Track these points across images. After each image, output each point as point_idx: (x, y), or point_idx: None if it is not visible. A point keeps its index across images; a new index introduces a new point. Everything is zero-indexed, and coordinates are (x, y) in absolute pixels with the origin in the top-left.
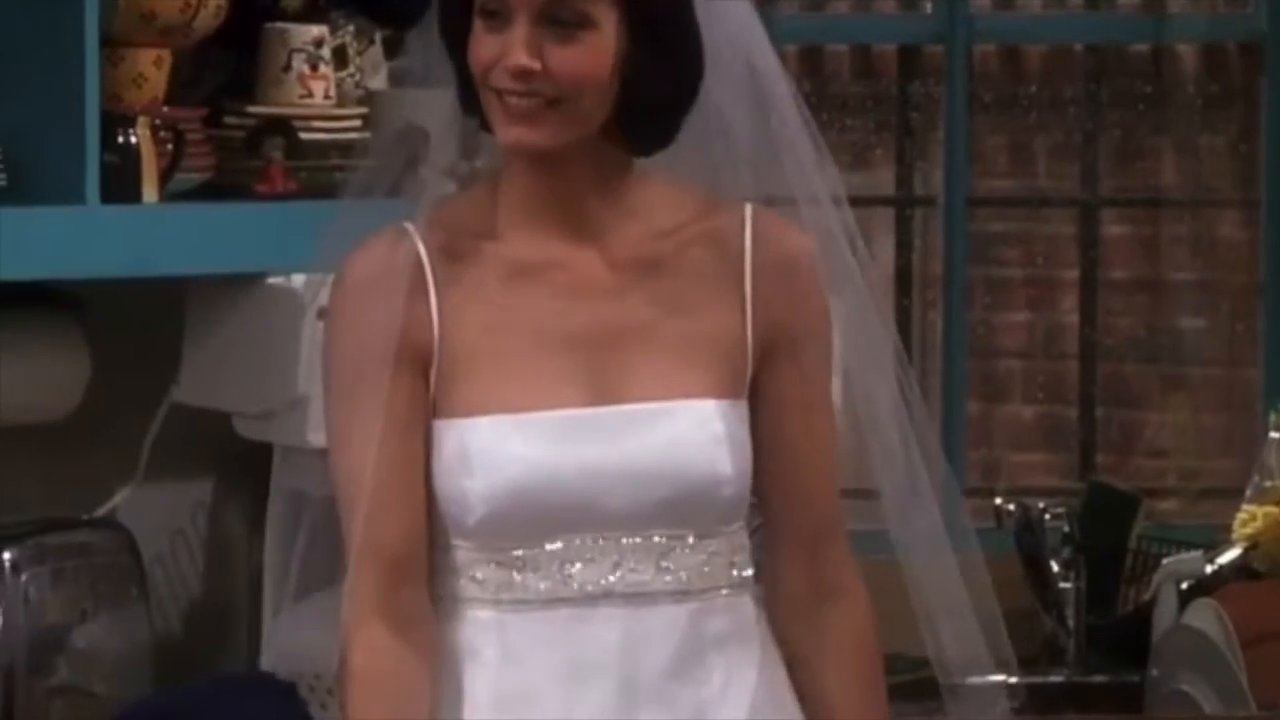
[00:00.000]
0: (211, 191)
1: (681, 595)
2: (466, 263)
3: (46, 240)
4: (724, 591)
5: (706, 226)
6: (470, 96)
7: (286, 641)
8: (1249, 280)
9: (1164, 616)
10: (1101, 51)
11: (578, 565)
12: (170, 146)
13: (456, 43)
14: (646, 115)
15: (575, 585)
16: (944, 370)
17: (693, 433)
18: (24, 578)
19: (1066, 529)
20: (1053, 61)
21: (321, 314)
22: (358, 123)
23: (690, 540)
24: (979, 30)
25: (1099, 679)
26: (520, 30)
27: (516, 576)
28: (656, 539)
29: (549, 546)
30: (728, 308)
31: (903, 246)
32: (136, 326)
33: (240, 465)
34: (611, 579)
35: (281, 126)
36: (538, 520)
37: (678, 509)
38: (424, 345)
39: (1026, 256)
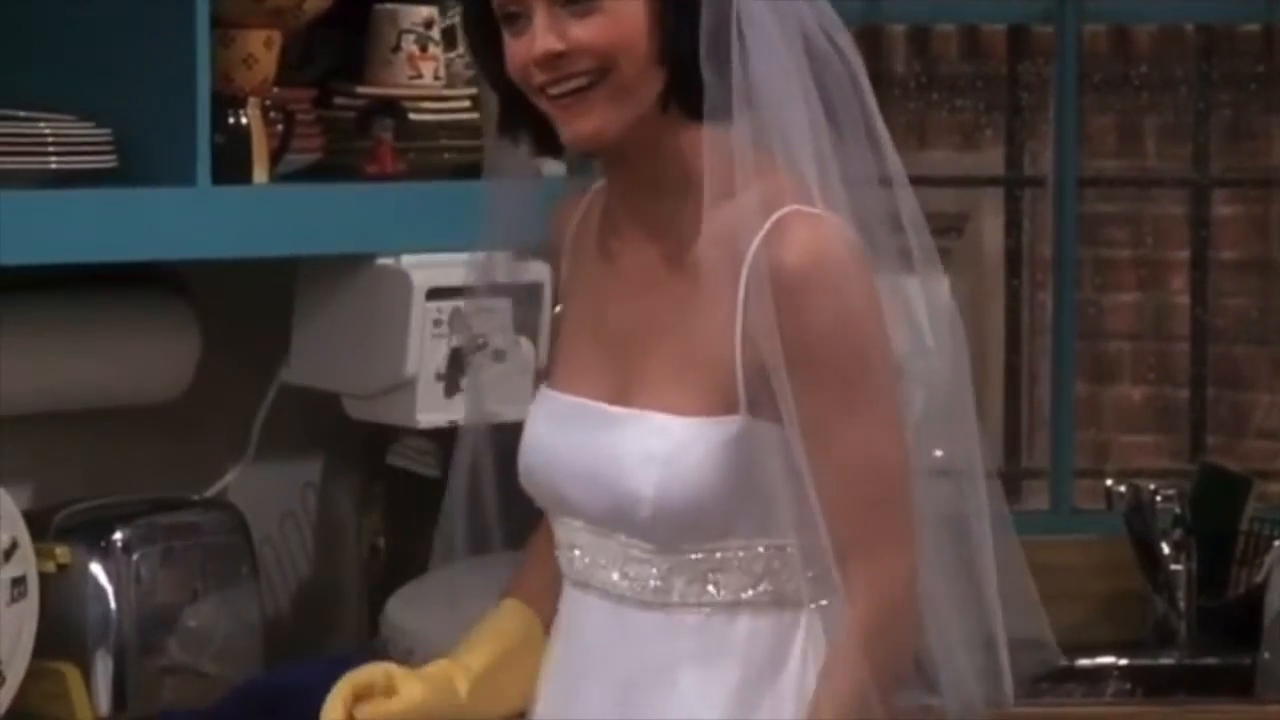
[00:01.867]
0: (321, 172)
1: (644, 604)
2: (585, 233)
3: (157, 221)
4: (704, 610)
5: (740, 227)
6: (511, 122)
7: (398, 620)
8: None
9: (1276, 599)
10: (1212, 31)
11: (576, 550)
12: (280, 127)
13: (493, 69)
14: (691, 67)
15: (575, 568)
16: (1053, 351)
17: (630, 445)
18: (135, 557)
19: (1177, 511)
20: (1162, 41)
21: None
22: (467, 103)
23: (644, 553)
24: (1088, 10)
25: (1210, 661)
26: (540, 20)
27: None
28: (621, 543)
29: (560, 525)
30: (723, 320)
31: (1012, 227)
32: (246, 307)
33: (349, 445)
34: (596, 571)
35: (391, 107)
36: (548, 499)
37: (617, 519)
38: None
39: (1136, 237)
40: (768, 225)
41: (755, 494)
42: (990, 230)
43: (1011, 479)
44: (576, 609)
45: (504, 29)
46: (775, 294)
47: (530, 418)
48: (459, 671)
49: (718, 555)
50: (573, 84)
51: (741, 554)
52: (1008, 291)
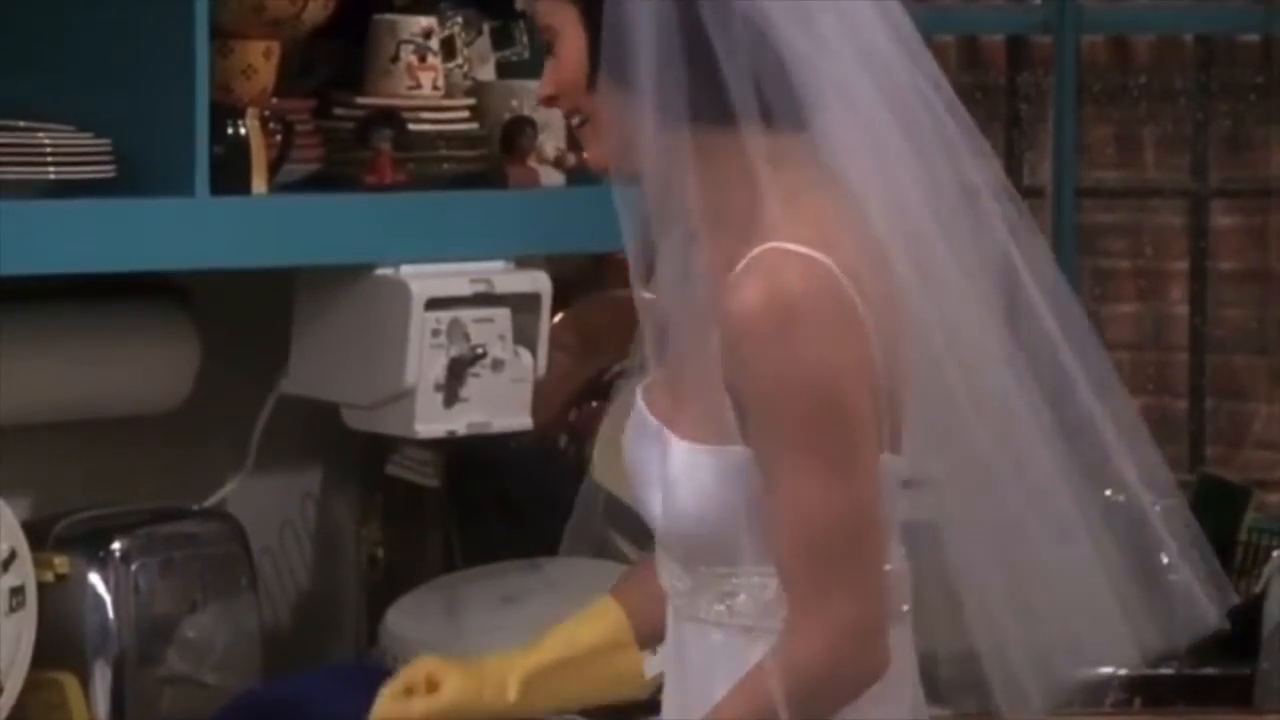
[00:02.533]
0: (320, 183)
1: (685, 617)
2: None
3: (156, 232)
4: (725, 629)
5: (721, 262)
6: None
7: (398, 630)
8: None
9: (1275, 609)
10: (1211, 41)
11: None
12: (279, 138)
13: None
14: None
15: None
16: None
17: (654, 464)
18: (134, 567)
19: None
20: (1161, 52)
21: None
22: (466, 114)
23: (676, 565)
24: (1087, 20)
25: (1209, 672)
26: (545, 65)
27: None
28: (669, 554)
29: None
30: (712, 350)
31: None
32: (245, 318)
33: (348, 456)
34: (660, 575)
35: (390, 117)
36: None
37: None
38: None
39: (1135, 247)
40: (743, 263)
41: (756, 523)
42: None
43: None
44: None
45: None
46: (724, 336)
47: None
48: (513, 669)
49: (731, 580)
50: (575, 128)
51: (755, 579)
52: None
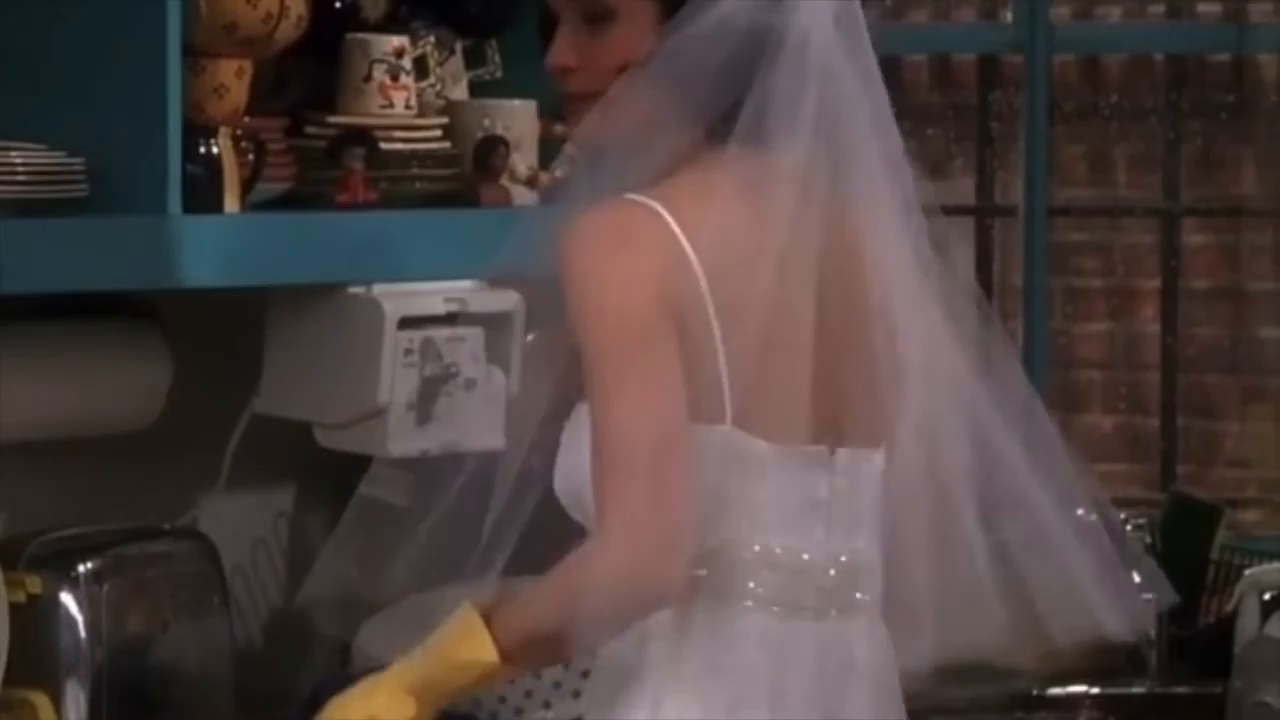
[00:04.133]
0: (292, 202)
1: None
2: None
3: (128, 251)
4: None
5: None
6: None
7: (369, 649)
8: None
9: (1246, 628)
10: (1182, 61)
11: None
12: (251, 157)
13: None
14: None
15: None
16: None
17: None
18: (106, 587)
19: (1148, 539)
20: (1132, 71)
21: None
22: (438, 133)
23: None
24: (1059, 40)
25: (1181, 690)
26: (560, 31)
27: None
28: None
29: None
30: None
31: (983, 256)
32: (218, 337)
33: (321, 475)
34: None
35: (362, 137)
36: None
37: None
38: None
39: (1106, 266)
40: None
41: None
42: (960, 260)
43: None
44: None
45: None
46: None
47: None
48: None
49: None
50: (574, 98)
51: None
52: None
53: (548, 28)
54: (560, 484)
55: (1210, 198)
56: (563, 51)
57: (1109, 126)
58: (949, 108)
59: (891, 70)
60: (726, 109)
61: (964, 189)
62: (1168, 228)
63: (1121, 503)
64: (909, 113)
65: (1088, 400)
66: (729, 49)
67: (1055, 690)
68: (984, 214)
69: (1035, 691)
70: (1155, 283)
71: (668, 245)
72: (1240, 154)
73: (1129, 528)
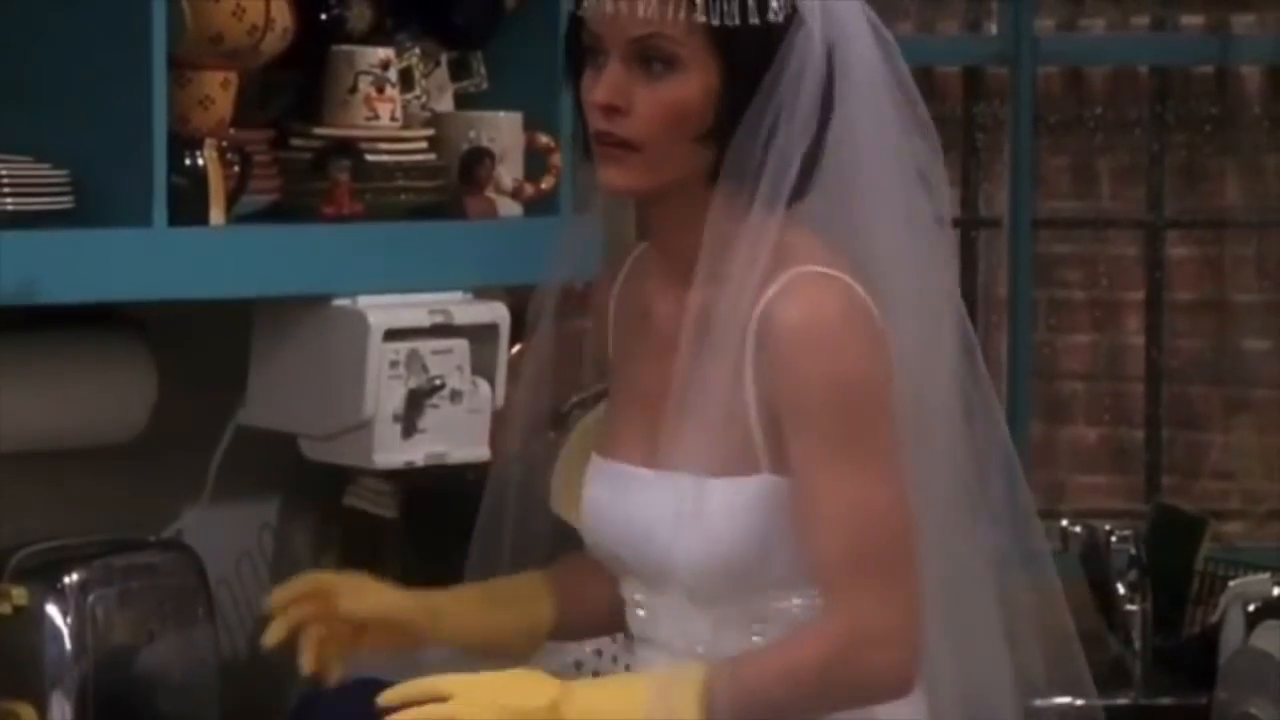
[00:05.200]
0: (278, 213)
1: (699, 657)
2: (629, 294)
3: (114, 263)
4: None
5: (763, 284)
6: (588, 148)
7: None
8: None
9: (1231, 639)
10: (1166, 73)
11: (640, 609)
12: (237, 168)
13: (576, 84)
14: (748, 163)
15: (639, 624)
16: (1008, 392)
17: (660, 509)
18: (91, 599)
19: (1133, 551)
20: (1117, 83)
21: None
22: (424, 144)
23: (694, 608)
24: (1043, 52)
25: (1166, 702)
26: (611, 67)
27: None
28: (674, 599)
29: (624, 584)
30: (734, 377)
31: (967, 268)
32: (203, 348)
33: (306, 487)
34: (656, 626)
35: (347, 148)
36: (607, 561)
37: (665, 578)
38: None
39: (1090, 278)
40: (777, 284)
41: (785, 548)
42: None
43: None
44: (643, 665)
45: (587, 60)
46: (774, 350)
47: (585, 485)
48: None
49: (759, 608)
50: (616, 142)
51: (780, 605)
52: None
53: (577, 51)
54: (717, 562)
55: (1194, 210)
56: (612, 90)
57: (1093, 138)
58: (934, 119)
59: None
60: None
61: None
62: (1152, 240)
63: (1106, 515)
64: None
65: (1072, 412)
66: (803, 118)
67: (1038, 702)
68: (969, 226)
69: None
70: (1139, 294)
71: (881, 330)
72: (1223, 166)
73: (1114, 539)
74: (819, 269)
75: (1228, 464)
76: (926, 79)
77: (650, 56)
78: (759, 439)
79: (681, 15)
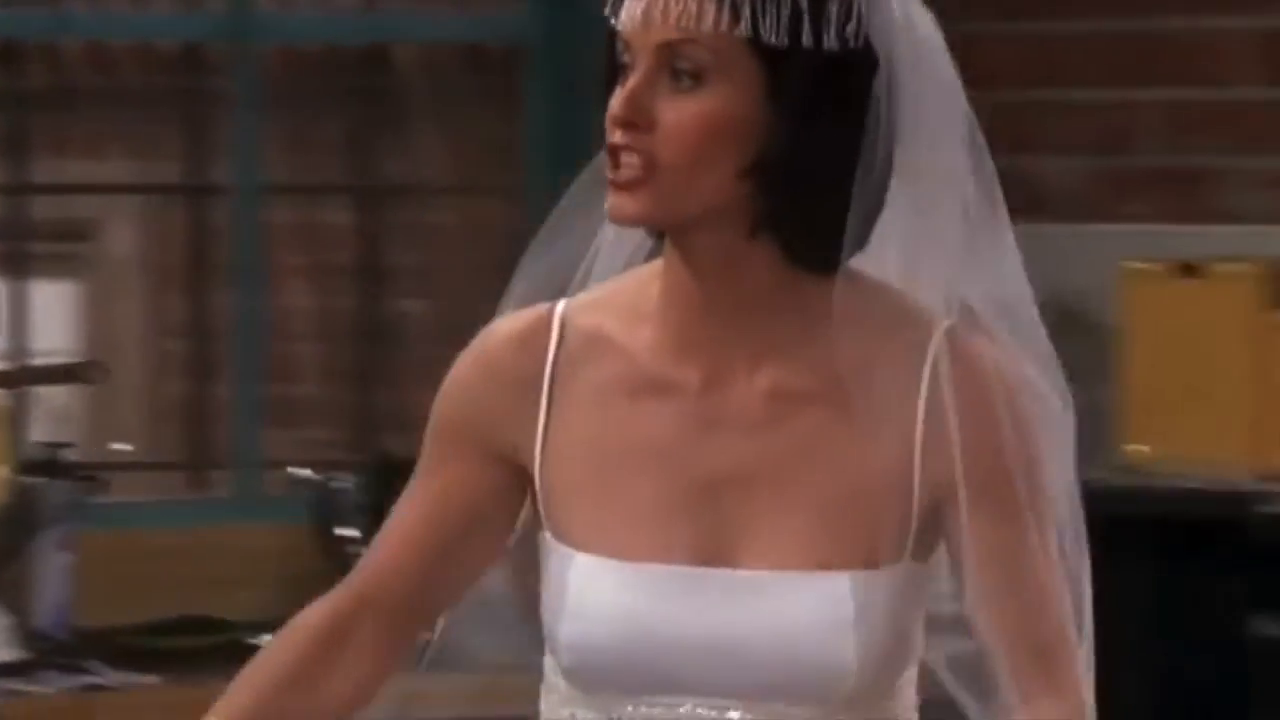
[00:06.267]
0: None
1: None
2: (600, 360)
3: None
4: None
5: (891, 349)
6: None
7: None
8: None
9: None
10: (372, 50)
11: None
12: None
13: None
14: (796, 212)
15: None
16: (239, 354)
17: (813, 613)
18: None
19: (356, 498)
20: (328, 59)
21: None
22: None
23: (811, 717)
24: (263, 27)
25: None
26: (635, 77)
27: None
28: (766, 716)
29: (643, 709)
30: (893, 449)
31: (194, 235)
32: None
33: None
34: None
35: None
36: (625, 681)
37: (791, 690)
38: (522, 446)
39: (310, 244)
40: (938, 339)
41: (911, 645)
42: (174, 238)
43: (200, 471)
44: None
45: (620, 76)
46: (964, 409)
47: (593, 592)
48: None
49: (887, 699)
50: (632, 162)
51: (895, 701)
52: (191, 295)
53: (614, 71)
54: (862, 674)
55: (403, 176)
56: (632, 101)
57: (308, 110)
58: (155, 92)
59: (96, 55)
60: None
61: (172, 171)
62: (362, 206)
63: (329, 465)
64: (113, 97)
65: (296, 371)
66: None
67: (267, 637)
68: (195, 194)
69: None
70: (351, 257)
71: None
72: (411, 135)
73: (337, 486)
74: (955, 322)
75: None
76: (146, 52)
77: (680, 66)
78: (915, 521)
79: (724, 21)
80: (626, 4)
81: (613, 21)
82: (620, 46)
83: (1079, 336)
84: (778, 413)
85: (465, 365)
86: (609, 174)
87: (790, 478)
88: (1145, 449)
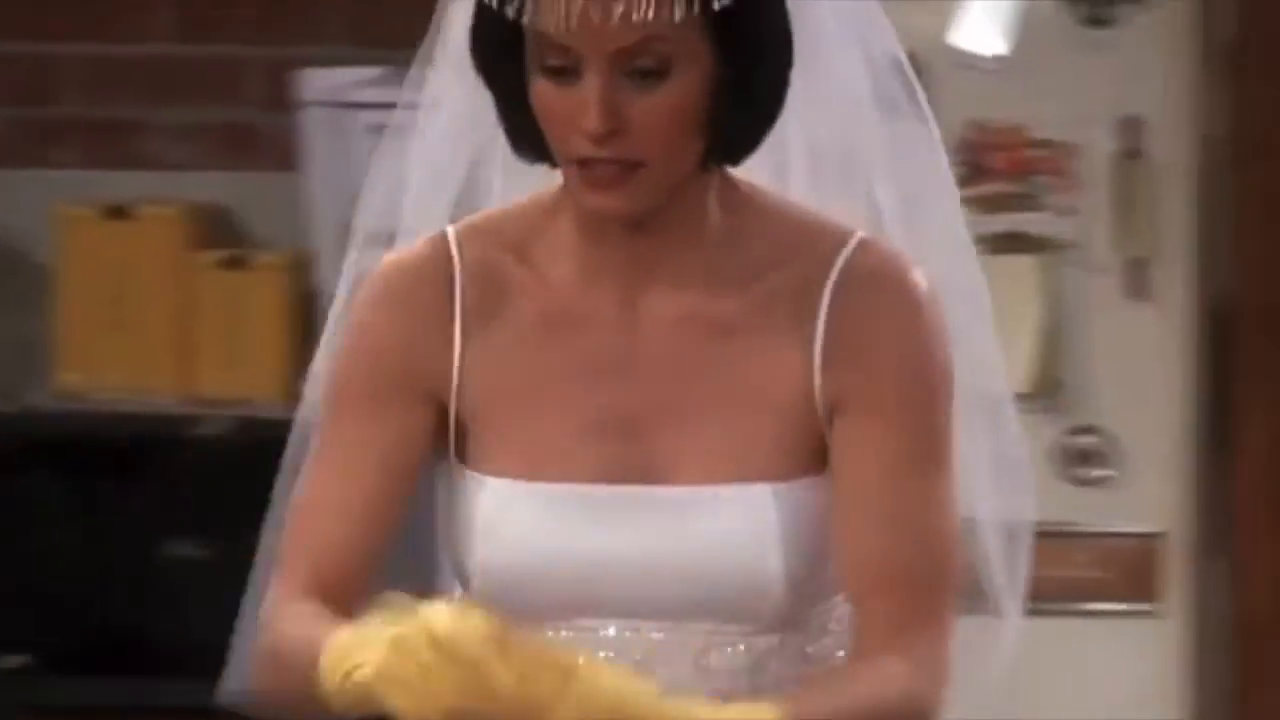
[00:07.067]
0: None
1: (721, 692)
2: (505, 291)
3: None
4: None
5: (796, 268)
6: (521, 137)
7: None
8: None
9: None
10: None
11: (600, 653)
12: None
13: (498, 79)
14: (735, 138)
15: None
16: None
17: (735, 524)
18: None
19: None
20: None
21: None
22: None
23: (739, 639)
24: None
25: None
26: (593, 83)
27: None
28: (703, 633)
29: (563, 633)
30: (796, 364)
31: None
32: None
33: None
34: (641, 671)
35: None
36: (543, 604)
37: (716, 608)
38: (439, 377)
39: None
40: (849, 249)
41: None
42: None
43: None
44: None
45: (539, 73)
46: (863, 323)
47: (504, 513)
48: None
49: (818, 623)
50: (614, 167)
51: (829, 623)
52: None
53: (494, 49)
54: (788, 583)
55: None
56: (607, 112)
57: None
58: None
59: None
60: None
61: None
62: None
63: None
64: None
65: None
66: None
67: None
68: None
69: None
70: None
71: None
72: None
73: None
74: (870, 236)
75: None
76: None
77: (643, 66)
78: (826, 426)
79: (681, 7)
80: (553, 7)
81: (516, 18)
82: (545, 47)
83: (17, 275)
84: (688, 338)
85: (373, 310)
86: (581, 176)
87: (703, 400)
88: (78, 377)
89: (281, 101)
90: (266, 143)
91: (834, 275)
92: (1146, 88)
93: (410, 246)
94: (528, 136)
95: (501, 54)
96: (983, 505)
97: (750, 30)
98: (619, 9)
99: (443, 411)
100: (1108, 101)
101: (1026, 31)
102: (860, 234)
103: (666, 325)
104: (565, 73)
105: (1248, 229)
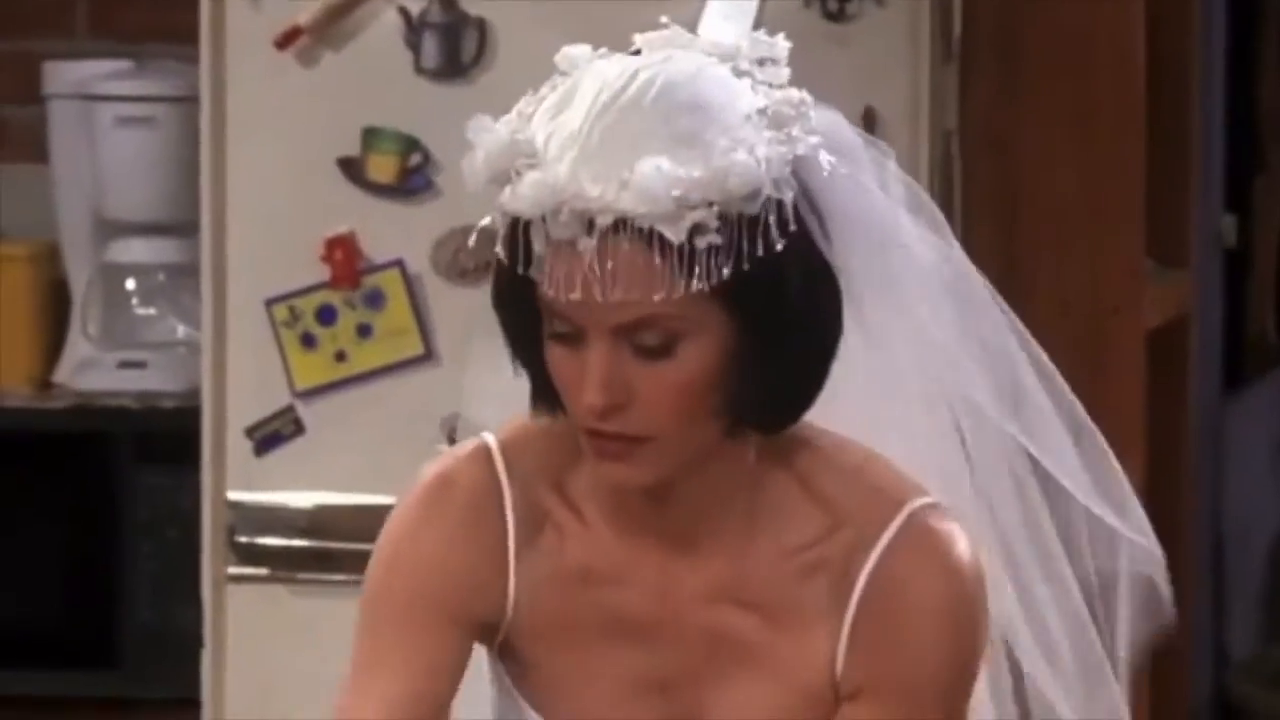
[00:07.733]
0: None
1: None
2: (544, 525)
3: None
4: None
5: (838, 543)
6: (539, 392)
7: None
8: None
9: None
10: None
11: None
12: None
13: (522, 340)
14: (764, 409)
15: None
16: None
17: None
18: None
19: None
20: None
21: None
22: None
23: None
24: None
25: None
26: (595, 356)
27: None
28: None
29: None
30: (823, 646)
31: None
32: None
33: None
34: None
35: None
36: None
37: None
38: (493, 606)
39: None
40: (895, 525)
41: None
42: None
43: None
44: None
45: (551, 335)
46: (893, 610)
47: None
48: None
49: None
50: (616, 447)
51: None
52: None
53: (517, 304)
54: None
55: None
56: (608, 387)
57: None
58: None
59: None
60: None
61: None
62: None
63: None
64: None
65: None
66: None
67: None
68: None
69: None
70: None
71: None
72: None
73: None
74: (928, 502)
75: None
76: None
77: (646, 343)
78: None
79: (679, 286)
80: (553, 270)
81: (525, 273)
82: (553, 310)
83: None
84: (718, 612)
85: (430, 531)
86: (590, 445)
87: (731, 675)
88: None
89: (28, 94)
90: (14, 134)
91: (876, 555)
92: (884, 82)
93: (455, 460)
94: (544, 393)
95: (521, 311)
96: None
97: (773, 296)
98: (616, 290)
99: (491, 632)
100: (847, 95)
101: (768, 27)
102: (912, 504)
103: (698, 598)
104: (573, 338)
105: (974, 217)
